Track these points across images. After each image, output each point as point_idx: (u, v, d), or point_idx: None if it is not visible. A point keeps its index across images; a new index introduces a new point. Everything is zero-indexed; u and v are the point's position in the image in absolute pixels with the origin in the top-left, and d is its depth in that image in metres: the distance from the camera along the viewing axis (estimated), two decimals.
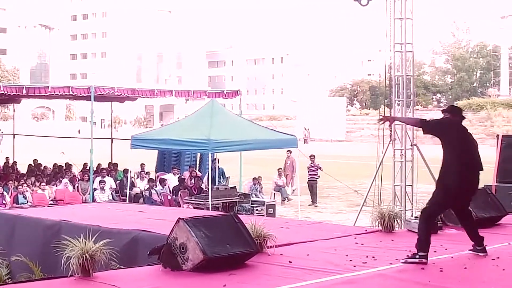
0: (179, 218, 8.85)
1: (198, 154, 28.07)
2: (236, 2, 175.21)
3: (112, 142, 30.53)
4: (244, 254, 9.01)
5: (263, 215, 20.83)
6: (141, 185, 25.56)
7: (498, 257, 9.47)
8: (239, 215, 9.85)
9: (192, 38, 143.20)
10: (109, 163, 28.20)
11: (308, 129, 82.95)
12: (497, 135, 19.17)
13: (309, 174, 28.49)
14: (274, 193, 28.58)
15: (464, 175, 9.33)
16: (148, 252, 9.24)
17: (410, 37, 17.25)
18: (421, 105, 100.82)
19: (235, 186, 23.93)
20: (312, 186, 28.23)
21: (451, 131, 9.57)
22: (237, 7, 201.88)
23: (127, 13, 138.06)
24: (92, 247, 8.34)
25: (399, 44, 17.19)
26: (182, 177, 25.56)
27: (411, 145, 17.11)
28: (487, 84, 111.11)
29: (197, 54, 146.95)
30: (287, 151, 28.29)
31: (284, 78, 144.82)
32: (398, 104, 17.20)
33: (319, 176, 28.68)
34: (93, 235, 8.72)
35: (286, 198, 28.44)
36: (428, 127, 9.77)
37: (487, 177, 16.65)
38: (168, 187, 24.88)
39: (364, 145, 60.59)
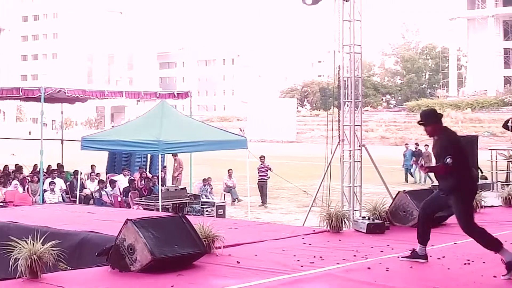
0: (127, 219, 8.85)
1: (149, 156, 28.00)
2: (187, 3, 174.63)
3: (62, 143, 30.29)
4: (192, 254, 9.05)
5: (213, 216, 20.87)
6: (91, 186, 25.41)
7: (443, 256, 9.60)
8: (188, 216, 9.88)
9: (143, 39, 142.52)
10: (57, 164, 27.98)
11: (243, 130, 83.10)
12: None
13: (259, 175, 28.56)
14: (224, 194, 28.61)
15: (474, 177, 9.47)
16: (96, 253, 9.23)
17: (359, 38, 17.32)
18: (371, 106, 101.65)
19: (185, 187, 23.92)
20: (262, 187, 28.31)
21: (459, 143, 9.29)
22: (188, 9, 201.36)
23: (78, 14, 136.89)
24: (40, 248, 8.30)
25: (348, 45, 17.25)
26: (132, 178, 25.49)
27: (359, 146, 17.22)
28: (436, 85, 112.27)
29: (148, 55, 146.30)
30: (172, 154, 28.19)
31: (235, 79, 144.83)
32: (347, 106, 17.31)
33: (269, 177, 28.78)
34: (42, 236, 8.67)
35: (236, 199, 28.48)
36: (452, 167, 8.98)
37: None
38: (119, 188, 24.77)
39: (314, 146, 60.78)
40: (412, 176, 36.69)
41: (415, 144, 39.18)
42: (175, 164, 28.43)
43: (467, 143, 17.96)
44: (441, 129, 9.20)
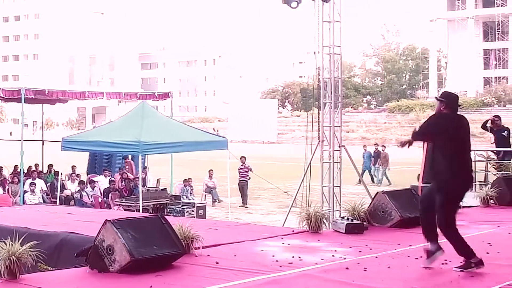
0: (106, 220, 8.86)
1: (130, 156, 27.98)
2: (168, 4, 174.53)
3: (43, 144, 30.20)
4: (171, 255, 9.06)
5: (193, 217, 20.94)
6: (72, 187, 25.37)
7: (421, 256, 9.61)
8: (168, 217, 9.90)
9: (125, 40, 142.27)
10: (35, 165, 27.90)
11: (217, 130, 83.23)
12: None
13: (239, 176, 28.62)
14: (205, 195, 28.64)
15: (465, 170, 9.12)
16: (75, 254, 9.23)
17: (338, 39, 17.40)
18: (351, 107, 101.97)
19: (165, 188, 23.94)
20: (242, 187, 28.37)
21: (449, 128, 9.01)
22: (170, 10, 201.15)
23: (59, 14, 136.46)
24: (19, 249, 8.28)
25: (327, 46, 17.33)
26: (113, 179, 25.46)
27: (339, 147, 17.30)
28: (416, 86, 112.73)
29: (129, 56, 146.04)
30: (123, 157, 28.12)
31: (217, 80, 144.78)
32: (328, 106, 17.36)
33: (249, 178, 28.85)
34: (21, 237, 8.65)
35: (217, 200, 28.52)
36: (419, 134, 9.15)
37: (414, 177, 17.04)
38: (99, 189, 24.75)
39: (295, 147, 60.83)
40: (372, 177, 36.71)
41: (375, 145, 39.38)
42: (127, 167, 27.98)
43: None
44: (438, 111, 9.15)
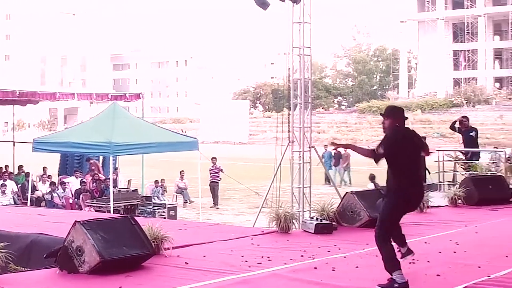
0: (75, 221, 8.89)
1: (101, 158, 27.91)
2: (140, 5, 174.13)
3: (14, 145, 30.04)
4: (141, 256, 9.11)
5: (164, 218, 20.93)
6: (43, 188, 25.28)
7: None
8: (139, 218, 9.94)
9: (97, 41, 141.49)
10: (6, 166, 27.77)
11: (185, 131, 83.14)
12: None
13: (210, 176, 28.66)
14: (176, 196, 28.66)
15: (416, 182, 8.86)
16: (45, 255, 9.24)
17: (309, 41, 17.46)
18: (322, 108, 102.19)
19: (136, 189, 23.90)
20: (213, 188, 28.41)
21: (401, 143, 8.68)
22: (142, 11, 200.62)
23: (31, 15, 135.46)
24: None
25: (298, 47, 17.39)
26: (84, 180, 25.40)
27: (309, 147, 17.38)
28: (387, 87, 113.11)
29: (101, 57, 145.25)
30: (86, 159, 28.03)
31: (188, 81, 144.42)
32: (298, 107, 17.44)
33: (220, 178, 28.91)
34: None
35: (188, 200, 28.55)
36: (380, 156, 8.61)
37: (383, 177, 17.07)
38: (70, 190, 24.69)
39: (266, 147, 60.86)
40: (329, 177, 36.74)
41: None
42: (92, 168, 27.60)
43: None
44: (395, 128, 8.75)
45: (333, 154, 36.56)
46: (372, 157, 8.61)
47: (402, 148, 8.57)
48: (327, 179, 35.37)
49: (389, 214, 8.57)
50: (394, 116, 8.80)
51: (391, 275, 8.29)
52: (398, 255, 8.79)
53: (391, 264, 8.35)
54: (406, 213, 8.91)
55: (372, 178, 22.76)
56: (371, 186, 23.98)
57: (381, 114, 8.91)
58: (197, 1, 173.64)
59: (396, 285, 8.19)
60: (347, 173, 36.59)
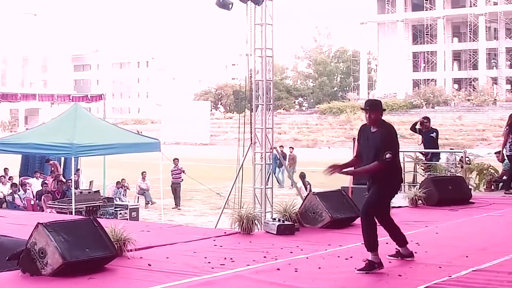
0: (38, 223, 8.84)
1: (62, 159, 27.75)
2: (101, 6, 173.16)
3: None
4: (104, 258, 9.08)
5: (126, 219, 20.92)
6: (4, 190, 25.06)
7: (351, 257, 9.78)
8: (101, 219, 9.90)
9: (58, 41, 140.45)
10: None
11: (141, 132, 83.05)
12: (353, 138, 19.67)
13: (172, 177, 28.66)
14: (138, 197, 28.60)
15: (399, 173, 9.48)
16: (7, 258, 9.18)
17: (270, 42, 17.50)
18: (283, 109, 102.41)
19: (98, 190, 23.84)
20: (175, 189, 28.41)
21: (396, 138, 9.34)
22: (103, 11, 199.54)
23: None
24: None
25: (260, 49, 17.43)
26: (46, 181, 25.23)
27: (270, 149, 17.44)
28: (347, 88, 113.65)
29: (62, 58, 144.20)
30: (46, 160, 27.87)
31: (150, 82, 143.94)
32: (260, 108, 17.47)
33: (182, 179, 28.91)
34: None
35: (150, 202, 28.50)
36: (390, 161, 8.95)
37: (345, 178, 17.23)
38: (32, 191, 24.52)
39: (228, 148, 60.98)
40: (277, 179, 36.75)
41: (280, 147, 39.45)
42: (52, 169, 27.41)
43: None
44: (383, 122, 9.21)
45: (277, 156, 36.45)
46: (378, 167, 8.93)
47: (397, 143, 9.28)
48: (277, 181, 35.58)
49: (380, 198, 9.20)
50: (380, 109, 9.25)
51: (369, 253, 8.91)
52: (396, 251, 9.59)
53: (371, 243, 8.95)
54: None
55: (302, 176, 22.84)
56: (300, 184, 24.17)
57: (364, 109, 9.20)
58: (159, 2, 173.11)
59: (376, 265, 8.80)
60: (292, 175, 36.58)
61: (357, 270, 8.85)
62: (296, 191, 23.45)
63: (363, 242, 9.11)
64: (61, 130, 22.02)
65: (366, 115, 9.19)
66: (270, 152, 17.41)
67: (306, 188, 23.64)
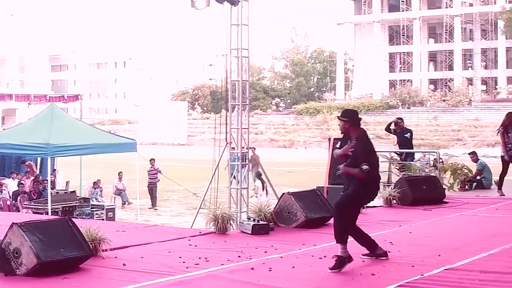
0: (12, 223, 8.86)
1: (39, 159, 27.67)
2: (79, 6, 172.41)
3: None
4: (78, 257, 9.10)
5: (102, 219, 20.89)
6: None
7: (325, 256, 9.83)
8: (77, 219, 9.91)
9: (35, 42, 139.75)
10: None
11: (114, 132, 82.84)
12: (329, 138, 19.74)
13: (149, 178, 28.65)
14: (115, 197, 28.57)
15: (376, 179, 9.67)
16: None
17: (246, 42, 17.53)
18: (260, 109, 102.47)
19: (74, 191, 23.78)
20: (152, 189, 28.39)
21: (371, 145, 9.62)
22: (80, 11, 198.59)
23: None
24: None
25: (235, 49, 17.46)
26: (22, 182, 25.14)
27: (246, 149, 17.49)
28: (324, 89, 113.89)
29: (40, 58, 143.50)
30: (22, 161, 27.81)
31: (127, 82, 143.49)
32: (238, 109, 17.50)
33: (159, 180, 28.89)
34: None
35: (127, 202, 28.47)
36: (369, 173, 9.26)
37: (321, 178, 17.35)
38: (8, 192, 24.42)
39: (204, 149, 60.95)
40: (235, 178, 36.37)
41: (242, 148, 39.11)
42: (28, 169, 27.28)
43: None
44: (361, 132, 9.43)
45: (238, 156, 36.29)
46: (360, 175, 9.17)
47: (373, 150, 9.57)
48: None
49: (354, 201, 9.40)
50: (359, 120, 9.50)
51: (339, 246, 9.10)
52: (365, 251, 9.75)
53: (342, 237, 9.16)
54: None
55: (259, 175, 22.92)
56: (258, 183, 24.26)
57: (341, 118, 9.46)
58: (136, 2, 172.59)
59: (346, 260, 8.98)
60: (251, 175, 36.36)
61: (330, 269, 8.96)
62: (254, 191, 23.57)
63: (334, 234, 9.23)
64: (38, 130, 21.98)
65: (341, 123, 9.50)
66: (246, 152, 17.45)
67: (263, 187, 23.70)
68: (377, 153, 20.48)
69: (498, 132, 18.26)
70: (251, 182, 35.16)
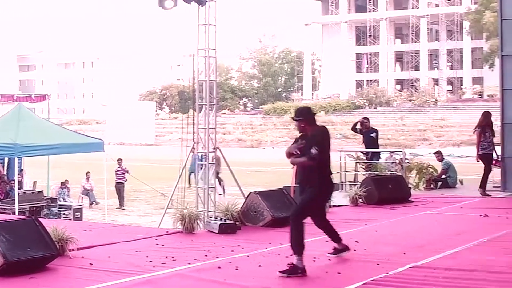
0: None
1: (6, 159, 27.49)
2: (46, 6, 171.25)
3: None
4: (45, 257, 9.08)
5: (70, 219, 20.85)
6: None
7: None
8: (44, 219, 9.89)
9: (2, 41, 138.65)
10: None
11: (81, 132, 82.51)
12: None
13: (116, 178, 28.60)
14: (82, 197, 28.49)
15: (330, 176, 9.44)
16: None
17: (214, 42, 17.55)
18: (228, 109, 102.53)
19: (42, 191, 23.73)
20: (119, 189, 28.36)
21: (325, 141, 9.25)
22: (48, 11, 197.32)
23: None
24: None
25: (203, 49, 17.48)
26: None
27: (213, 149, 17.53)
28: (291, 89, 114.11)
29: (7, 58, 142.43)
30: None
31: (95, 82, 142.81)
32: (205, 109, 17.52)
33: (126, 180, 28.85)
34: None
35: (94, 202, 28.41)
36: (317, 158, 8.95)
37: (288, 178, 17.41)
38: None
39: (172, 149, 60.92)
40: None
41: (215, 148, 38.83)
42: None
43: None
44: (317, 128, 9.24)
45: (200, 157, 35.89)
46: (309, 161, 8.94)
47: (326, 145, 9.18)
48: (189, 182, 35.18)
49: (309, 202, 9.16)
50: (311, 116, 9.31)
51: (295, 256, 8.75)
52: (333, 248, 9.68)
53: (298, 248, 8.80)
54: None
55: (216, 174, 22.65)
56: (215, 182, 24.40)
57: (294, 118, 9.31)
58: (103, 2, 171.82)
59: (299, 270, 8.67)
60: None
61: (279, 272, 8.74)
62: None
63: (290, 245, 8.97)
64: (5, 130, 21.88)
65: (296, 124, 9.38)
66: (213, 152, 17.50)
67: (220, 185, 23.83)
68: (345, 152, 20.75)
69: (475, 132, 18.36)
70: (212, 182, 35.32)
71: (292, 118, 9.44)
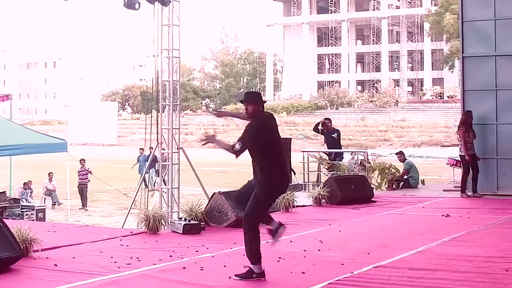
0: None
1: None
2: (8, 5, 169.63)
3: None
4: (9, 258, 9.00)
5: (33, 220, 20.70)
6: None
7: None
8: (7, 220, 9.82)
9: None
10: None
11: (44, 133, 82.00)
12: None
13: (79, 178, 28.47)
14: (45, 198, 28.34)
15: (285, 171, 8.88)
16: None
17: (177, 43, 17.54)
18: (190, 110, 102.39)
19: (4, 191, 23.56)
20: (82, 190, 28.23)
21: (264, 133, 8.62)
22: (9, 11, 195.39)
23: None
24: None
25: (166, 49, 17.46)
26: None
27: (177, 149, 17.51)
28: (253, 90, 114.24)
29: None
30: None
31: (57, 82, 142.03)
32: (168, 109, 17.51)
33: (89, 180, 28.74)
34: None
35: (57, 202, 28.26)
36: (238, 153, 8.34)
37: (251, 178, 17.41)
38: None
39: (135, 149, 60.72)
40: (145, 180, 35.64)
41: (150, 148, 38.67)
42: None
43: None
44: (258, 116, 8.67)
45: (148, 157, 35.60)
46: (232, 153, 8.37)
47: (266, 137, 8.59)
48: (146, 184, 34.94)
49: (259, 205, 8.62)
50: (257, 101, 8.73)
51: (250, 265, 8.52)
52: (267, 231, 8.78)
53: (254, 256, 8.53)
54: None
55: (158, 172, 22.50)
56: (158, 180, 24.46)
57: (241, 101, 8.78)
58: (66, 2, 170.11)
59: (254, 275, 8.48)
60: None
61: (235, 275, 8.56)
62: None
63: (245, 254, 8.68)
64: None
65: (244, 106, 8.75)
66: (177, 152, 17.48)
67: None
68: (307, 152, 20.79)
69: (458, 131, 18.41)
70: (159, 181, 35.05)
71: (241, 101, 8.90)
